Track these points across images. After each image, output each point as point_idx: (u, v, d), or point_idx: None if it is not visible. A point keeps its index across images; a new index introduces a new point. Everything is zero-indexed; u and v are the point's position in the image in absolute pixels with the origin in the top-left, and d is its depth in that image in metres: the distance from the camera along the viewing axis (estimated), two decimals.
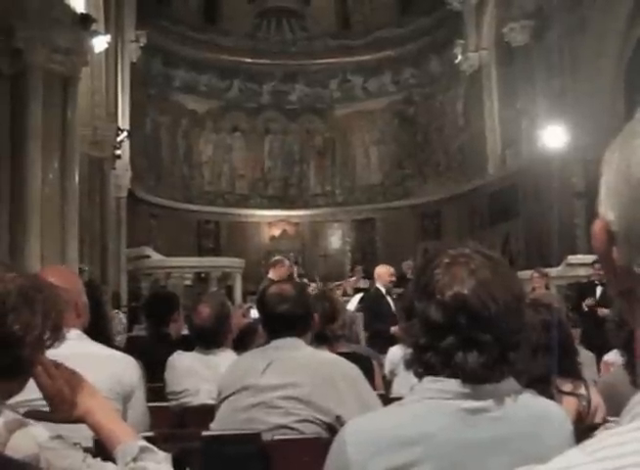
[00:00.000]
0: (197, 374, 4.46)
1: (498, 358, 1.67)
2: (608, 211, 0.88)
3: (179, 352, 4.67)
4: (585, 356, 4.40)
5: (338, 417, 2.98)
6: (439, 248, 1.84)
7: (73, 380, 2.03)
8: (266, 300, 3.36)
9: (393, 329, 8.88)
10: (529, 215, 19.64)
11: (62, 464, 1.81)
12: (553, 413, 1.76)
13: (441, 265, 1.73)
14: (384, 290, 10.02)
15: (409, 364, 1.75)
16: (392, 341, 7.38)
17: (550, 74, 18.50)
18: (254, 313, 7.79)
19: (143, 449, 1.92)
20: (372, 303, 10.19)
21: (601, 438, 0.79)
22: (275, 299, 3.30)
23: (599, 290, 10.64)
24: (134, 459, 1.88)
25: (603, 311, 9.64)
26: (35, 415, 1.98)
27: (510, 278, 1.78)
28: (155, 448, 1.96)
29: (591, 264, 11.24)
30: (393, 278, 10.32)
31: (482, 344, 1.66)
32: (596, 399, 3.29)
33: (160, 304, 5.82)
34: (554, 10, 18.11)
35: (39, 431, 1.83)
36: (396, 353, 5.63)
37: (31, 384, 1.99)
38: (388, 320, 9.23)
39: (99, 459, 1.90)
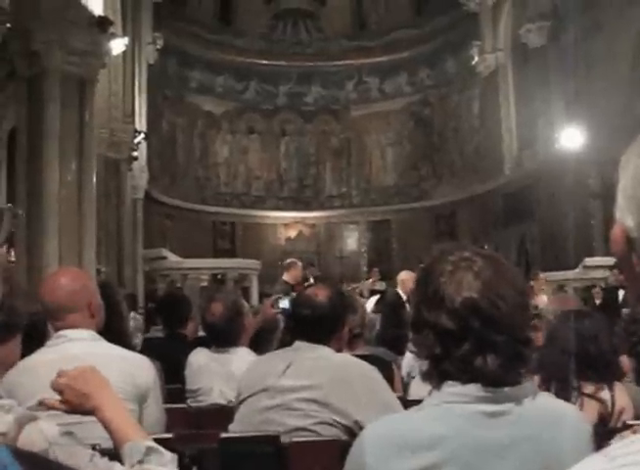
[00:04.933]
0: (210, 373, 4.49)
1: (514, 356, 1.68)
2: (626, 217, 0.88)
3: (197, 349, 4.68)
4: None
5: (356, 422, 2.98)
6: (438, 255, 1.82)
7: (86, 374, 2.06)
8: (297, 301, 3.38)
9: None
10: (545, 217, 19.57)
11: (69, 461, 1.82)
12: (569, 416, 1.76)
13: (445, 273, 1.72)
14: (404, 296, 10.05)
15: (426, 376, 1.74)
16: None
17: (566, 76, 18.45)
18: (283, 304, 7.87)
19: (149, 450, 1.93)
20: (390, 307, 10.18)
21: (622, 444, 0.79)
22: (303, 301, 3.31)
23: (621, 293, 10.57)
24: (140, 461, 1.89)
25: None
26: (47, 404, 2.03)
27: (512, 274, 1.77)
28: (161, 449, 1.96)
29: (610, 269, 11.19)
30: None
31: (498, 345, 1.66)
32: (622, 402, 3.28)
33: (174, 305, 5.83)
34: (569, 11, 18.07)
35: (49, 426, 1.85)
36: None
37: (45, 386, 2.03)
38: (404, 326, 9.21)
39: (106, 459, 1.91)
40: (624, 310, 10.11)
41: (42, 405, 2.07)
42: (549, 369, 3.37)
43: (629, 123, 14.55)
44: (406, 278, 10.39)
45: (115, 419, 2.01)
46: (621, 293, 10.60)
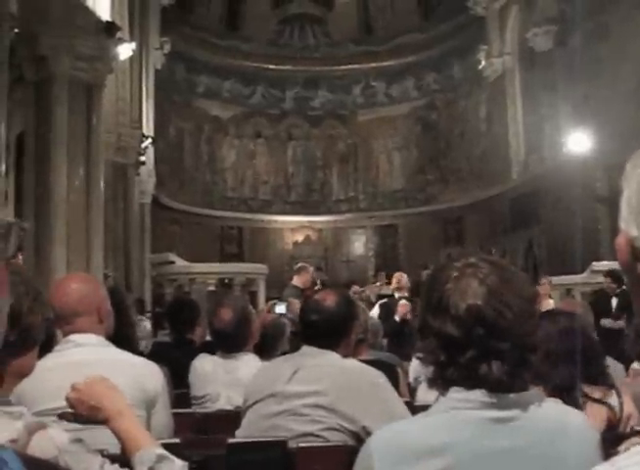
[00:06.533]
0: (217, 379, 4.46)
1: (519, 363, 1.68)
2: (631, 227, 0.88)
3: (201, 355, 4.66)
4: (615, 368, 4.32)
5: (363, 427, 2.97)
6: (444, 262, 1.83)
7: (95, 385, 2.08)
8: (305, 306, 3.37)
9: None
10: (552, 221, 19.52)
11: (79, 468, 1.83)
12: (576, 422, 1.76)
13: (450, 279, 1.73)
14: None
15: (432, 382, 1.75)
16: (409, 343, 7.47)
17: (573, 80, 18.41)
18: (279, 309, 7.91)
19: (160, 458, 1.94)
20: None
21: (630, 453, 0.79)
22: (311, 307, 3.31)
23: (614, 301, 10.47)
24: (151, 469, 1.90)
25: (619, 324, 9.56)
26: (66, 418, 2.04)
27: (519, 281, 1.77)
28: (172, 457, 1.97)
29: (604, 275, 11.12)
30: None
31: (503, 352, 1.66)
32: (629, 408, 3.26)
33: (182, 309, 5.83)
34: (576, 15, 18.03)
35: (59, 434, 1.86)
36: None
37: (58, 393, 2.04)
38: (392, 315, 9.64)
39: (117, 466, 1.92)
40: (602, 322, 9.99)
41: (62, 419, 2.09)
42: (553, 378, 3.29)
43: (637, 128, 14.52)
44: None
45: (126, 428, 2.02)
46: (614, 301, 10.46)
